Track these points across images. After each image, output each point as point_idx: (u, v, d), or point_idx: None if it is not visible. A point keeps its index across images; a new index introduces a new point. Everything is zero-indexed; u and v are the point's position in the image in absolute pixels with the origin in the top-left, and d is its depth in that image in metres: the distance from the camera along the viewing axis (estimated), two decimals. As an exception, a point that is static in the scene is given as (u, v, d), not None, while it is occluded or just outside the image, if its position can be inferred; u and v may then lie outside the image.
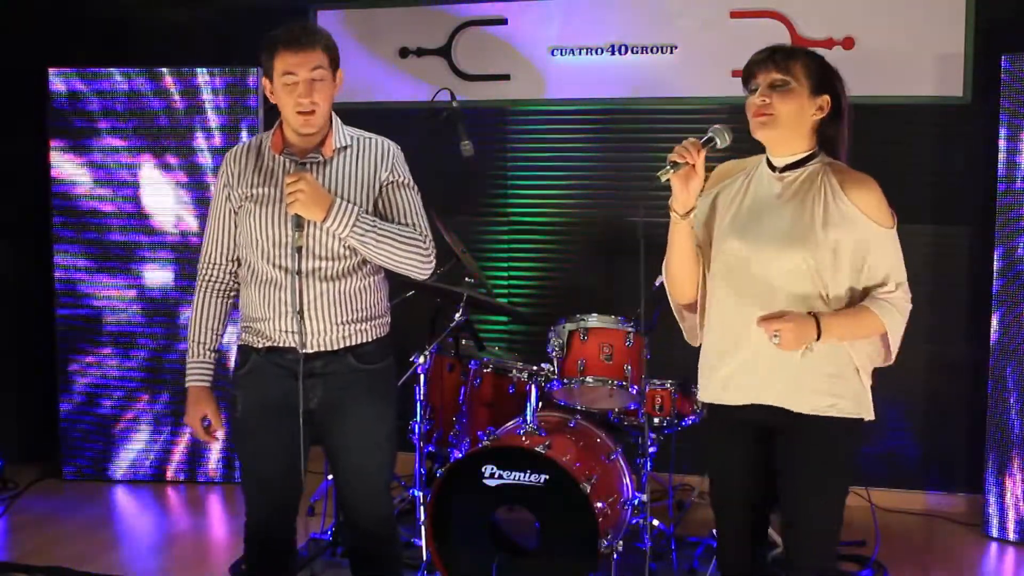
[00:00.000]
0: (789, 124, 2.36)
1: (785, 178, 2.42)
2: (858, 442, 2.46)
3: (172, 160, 4.70)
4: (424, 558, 3.53)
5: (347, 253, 2.60)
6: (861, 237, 2.33)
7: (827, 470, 2.40)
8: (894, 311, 2.34)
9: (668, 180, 2.35)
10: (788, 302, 2.35)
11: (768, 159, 2.46)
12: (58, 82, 4.70)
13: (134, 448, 4.84)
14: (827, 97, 2.38)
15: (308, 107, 2.51)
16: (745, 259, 2.40)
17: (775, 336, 2.29)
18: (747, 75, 2.42)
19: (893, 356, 2.44)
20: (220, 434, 2.77)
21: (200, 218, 4.68)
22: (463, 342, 4.07)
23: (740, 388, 2.44)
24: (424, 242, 2.61)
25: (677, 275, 2.54)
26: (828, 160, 2.42)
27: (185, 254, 4.72)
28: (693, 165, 2.34)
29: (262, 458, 2.67)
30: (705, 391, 2.55)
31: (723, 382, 2.48)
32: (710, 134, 2.39)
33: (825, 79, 2.39)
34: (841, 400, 2.38)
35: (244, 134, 4.62)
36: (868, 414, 2.42)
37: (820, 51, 4.39)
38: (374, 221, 2.54)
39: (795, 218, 2.36)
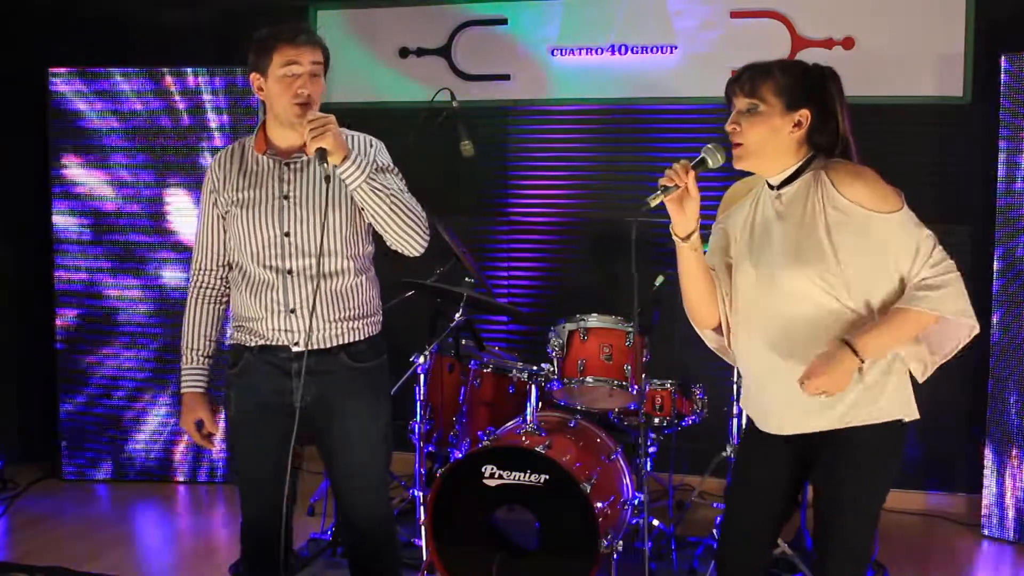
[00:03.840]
0: (761, 151, 2.30)
1: (783, 195, 2.35)
2: (901, 444, 2.35)
3: (172, 160, 4.70)
4: (424, 558, 3.53)
5: (334, 249, 2.60)
6: (867, 230, 2.24)
7: (868, 480, 2.33)
8: (932, 295, 2.21)
9: (661, 204, 2.28)
10: (814, 321, 2.28)
11: (767, 179, 2.41)
12: (58, 82, 4.70)
13: (134, 448, 4.84)
14: (806, 111, 2.30)
15: (306, 98, 2.51)
16: (761, 284, 2.35)
17: (823, 395, 2.23)
18: (726, 97, 2.37)
19: (970, 329, 2.29)
20: (216, 437, 2.78)
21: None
22: (463, 342, 4.07)
23: (779, 419, 2.39)
24: (424, 218, 2.60)
25: (693, 301, 2.47)
26: (823, 163, 2.33)
27: (185, 254, 4.72)
28: (685, 187, 2.28)
29: (254, 457, 2.68)
30: (748, 412, 2.50)
31: (762, 413, 2.43)
32: (702, 155, 2.32)
33: (805, 90, 2.30)
34: (877, 407, 2.30)
35: (243, 134, 4.62)
36: (909, 414, 2.33)
37: (819, 52, 4.44)
38: (389, 185, 2.54)
39: (800, 235, 2.29)
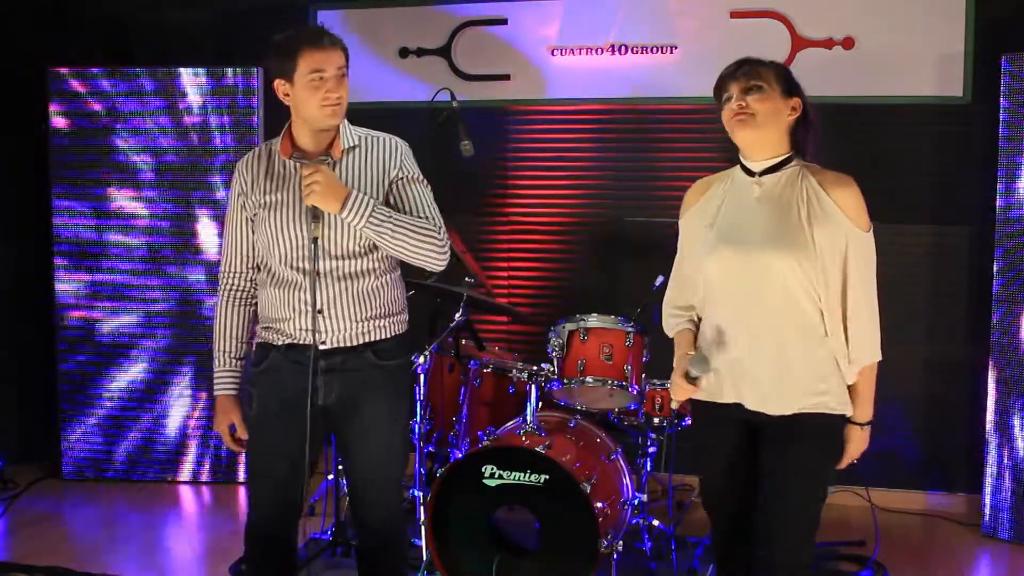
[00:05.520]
0: (767, 123, 2.40)
1: (764, 182, 2.45)
2: (839, 435, 2.49)
3: (172, 160, 4.70)
4: (424, 558, 3.53)
5: (363, 252, 2.63)
6: (840, 236, 2.37)
7: (809, 467, 2.43)
8: (864, 348, 2.41)
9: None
10: (782, 305, 2.39)
11: (743, 165, 2.49)
12: (58, 82, 4.70)
13: (134, 448, 4.84)
14: (798, 100, 2.44)
15: (336, 100, 2.55)
16: (738, 265, 2.42)
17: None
18: (718, 89, 2.47)
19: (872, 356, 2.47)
20: (245, 440, 2.78)
21: (201, 219, 4.68)
22: (463, 342, 4.07)
23: (725, 387, 2.48)
24: (439, 233, 2.63)
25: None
26: (804, 163, 2.46)
27: (185, 254, 4.72)
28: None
29: (275, 455, 2.68)
30: (710, 392, 2.56)
31: (730, 389, 2.50)
32: (694, 373, 2.46)
33: (792, 84, 2.45)
34: (825, 397, 2.41)
35: (243, 134, 4.63)
36: (847, 408, 2.46)
37: (819, 52, 4.45)
38: (389, 213, 2.57)
39: (782, 221, 2.39)
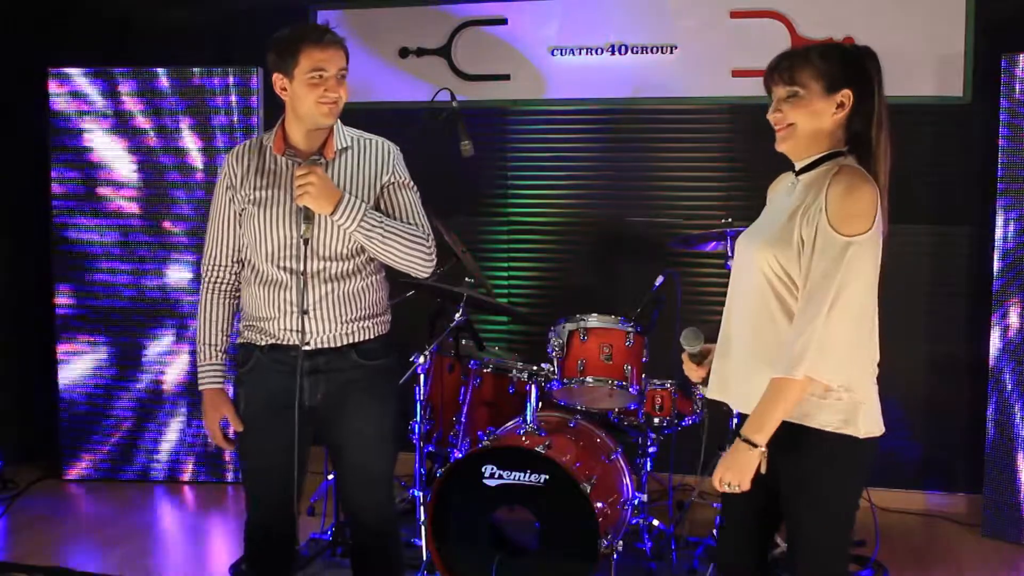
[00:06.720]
0: (807, 128, 2.28)
1: (799, 181, 2.34)
2: (846, 459, 2.22)
3: (172, 160, 4.70)
4: (424, 558, 3.53)
5: (351, 254, 2.62)
6: (815, 233, 2.19)
7: (809, 486, 2.25)
8: (781, 354, 2.17)
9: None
10: (762, 304, 2.28)
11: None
12: (58, 82, 4.70)
13: (134, 448, 4.84)
14: (848, 91, 2.27)
15: (333, 100, 2.55)
16: (739, 258, 2.40)
17: (727, 487, 2.22)
18: (765, 88, 2.36)
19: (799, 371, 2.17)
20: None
21: (201, 217, 4.68)
22: (463, 342, 4.08)
23: (717, 387, 2.43)
24: (427, 241, 2.64)
25: None
26: (847, 161, 2.28)
27: (185, 254, 4.72)
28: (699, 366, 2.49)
29: (264, 455, 2.68)
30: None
31: (712, 380, 2.46)
32: (684, 347, 2.49)
33: (844, 72, 2.26)
34: (806, 407, 2.21)
35: (243, 134, 4.63)
36: (856, 430, 2.21)
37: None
38: (381, 218, 2.57)
39: (781, 218, 2.29)
